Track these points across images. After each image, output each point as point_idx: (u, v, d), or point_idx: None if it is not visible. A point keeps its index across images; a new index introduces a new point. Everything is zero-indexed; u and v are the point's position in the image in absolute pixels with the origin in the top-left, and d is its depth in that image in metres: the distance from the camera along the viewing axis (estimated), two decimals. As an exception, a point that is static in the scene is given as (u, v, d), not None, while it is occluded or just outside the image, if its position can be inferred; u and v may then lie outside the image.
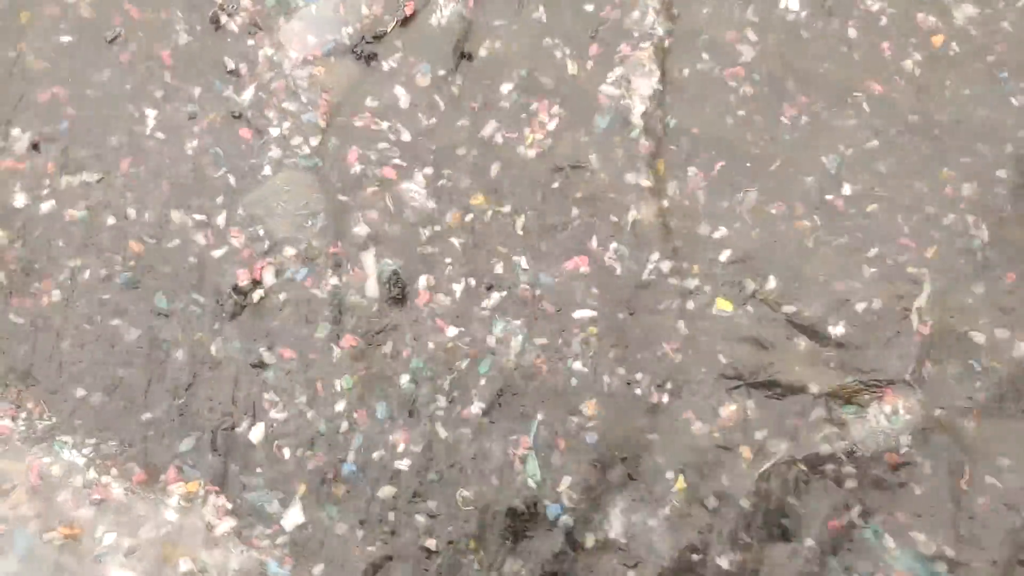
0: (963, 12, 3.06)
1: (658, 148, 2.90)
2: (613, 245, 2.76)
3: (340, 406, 2.61)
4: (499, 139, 2.88)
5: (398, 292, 2.68)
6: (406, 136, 2.89)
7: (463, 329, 2.68)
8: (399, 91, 2.92)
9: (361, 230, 2.76)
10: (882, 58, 3.00)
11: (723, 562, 2.51)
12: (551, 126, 2.90)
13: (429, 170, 2.84)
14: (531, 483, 2.54)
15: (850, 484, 2.57)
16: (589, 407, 2.61)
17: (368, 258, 2.73)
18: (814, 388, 2.65)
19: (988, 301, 2.78)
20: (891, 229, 2.82)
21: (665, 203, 2.83)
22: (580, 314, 2.71)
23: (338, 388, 2.62)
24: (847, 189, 2.85)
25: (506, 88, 2.93)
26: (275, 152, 2.83)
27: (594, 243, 2.76)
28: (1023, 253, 2.82)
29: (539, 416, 2.60)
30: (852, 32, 3.02)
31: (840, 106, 2.92)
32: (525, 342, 2.67)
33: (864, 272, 2.78)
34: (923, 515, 2.58)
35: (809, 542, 2.54)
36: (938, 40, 3.03)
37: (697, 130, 2.90)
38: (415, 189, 2.82)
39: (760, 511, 2.56)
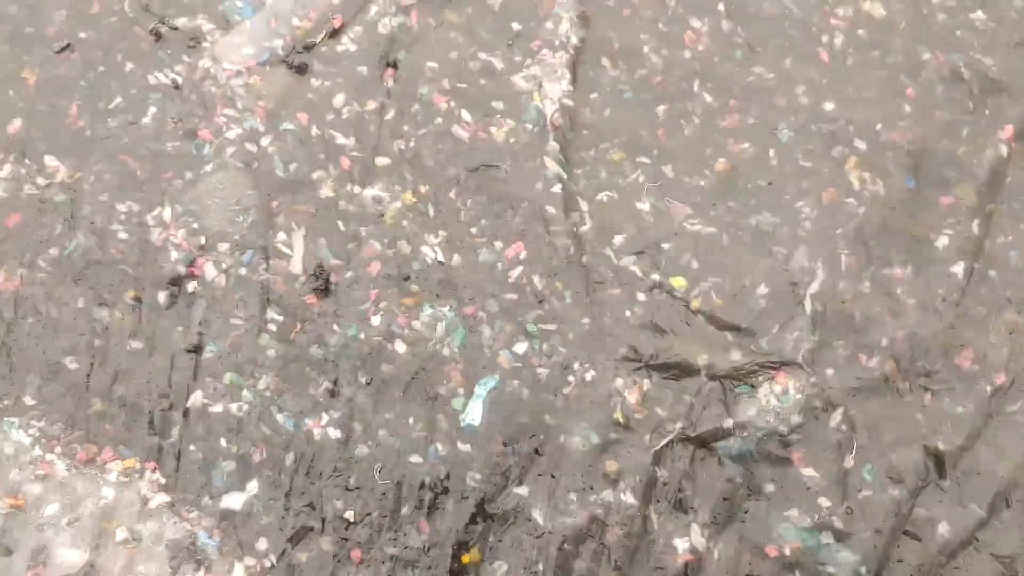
0: (866, 13, 3.27)
1: (569, 148, 3.10)
2: (524, 239, 2.98)
3: (268, 387, 2.81)
4: (420, 141, 3.09)
5: (322, 283, 2.89)
6: (339, 140, 3.10)
7: (384, 316, 2.88)
8: (328, 97, 3.14)
9: (290, 226, 2.98)
10: (783, 65, 3.21)
11: (622, 534, 2.68)
12: (468, 128, 3.12)
13: (356, 171, 3.06)
14: (470, 421, 2.74)
15: (742, 460, 2.75)
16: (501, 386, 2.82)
17: (297, 243, 2.93)
18: (710, 370, 2.84)
19: (878, 288, 2.95)
20: (788, 220, 3.01)
21: (577, 199, 3.04)
22: (491, 306, 2.91)
23: (266, 370, 2.83)
24: (747, 181, 3.05)
25: (428, 92, 3.15)
26: (212, 154, 3.06)
27: (507, 237, 2.97)
28: (911, 243, 3.00)
29: (456, 391, 2.81)
30: (754, 42, 3.24)
31: (744, 106, 3.12)
32: (448, 327, 2.86)
33: (761, 261, 2.96)
34: (811, 488, 2.73)
35: (703, 516, 2.71)
36: (836, 49, 3.24)
37: (606, 130, 3.11)
38: (343, 189, 3.03)
39: (657, 487, 2.74)
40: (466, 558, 2.66)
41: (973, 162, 3.12)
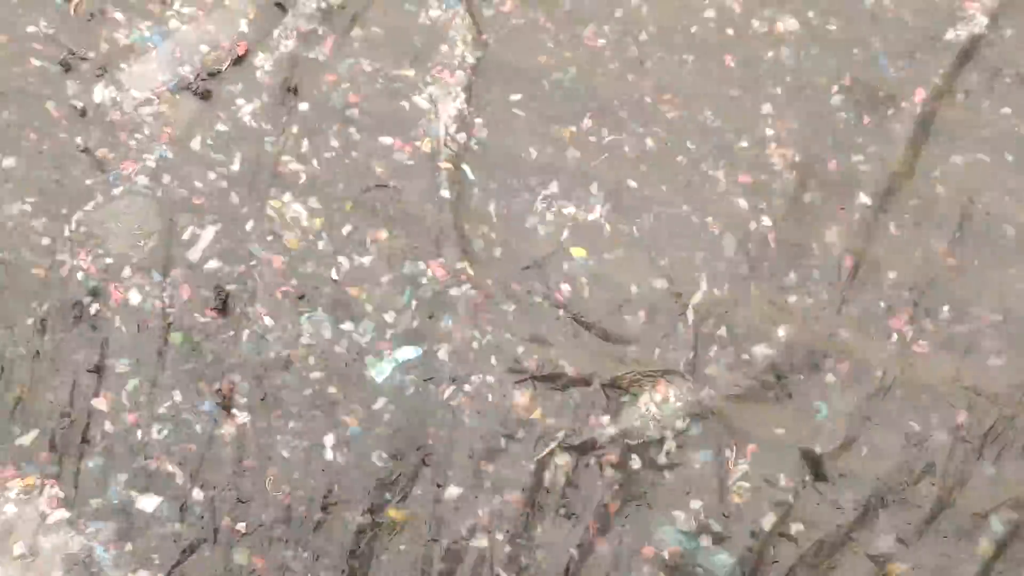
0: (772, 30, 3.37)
1: (463, 166, 3.21)
2: (417, 255, 3.08)
3: (166, 405, 2.91)
4: (321, 162, 3.20)
5: (220, 303, 2.99)
6: (235, 165, 3.21)
7: (282, 330, 2.98)
8: (233, 122, 3.25)
9: (192, 249, 3.08)
10: (677, 79, 3.31)
11: (507, 542, 2.76)
12: (368, 148, 3.22)
13: (256, 197, 3.15)
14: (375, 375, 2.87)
15: (623, 466, 2.83)
16: (384, 402, 2.90)
17: (205, 237, 3.04)
18: (593, 380, 2.92)
19: (761, 296, 3.04)
20: (674, 230, 3.11)
21: (470, 216, 3.13)
22: (389, 316, 3.00)
23: (164, 387, 2.92)
24: (633, 193, 3.15)
25: (329, 115, 3.26)
26: (118, 180, 3.16)
27: (400, 254, 3.08)
28: (796, 251, 3.09)
29: (345, 407, 2.90)
30: (650, 58, 3.35)
31: (631, 119, 3.23)
32: (343, 343, 2.95)
33: (646, 272, 3.06)
34: (691, 493, 2.82)
35: (587, 522, 2.79)
36: (729, 59, 3.35)
37: (500, 148, 3.22)
38: (243, 210, 3.13)
39: (540, 495, 2.81)
40: (355, 567, 2.75)
41: (862, 172, 3.22)
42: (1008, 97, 3.34)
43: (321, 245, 3.10)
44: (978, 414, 2.89)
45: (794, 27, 3.42)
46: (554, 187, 3.17)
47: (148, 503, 2.82)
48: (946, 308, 3.02)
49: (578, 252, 3.09)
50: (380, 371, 2.94)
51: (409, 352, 2.95)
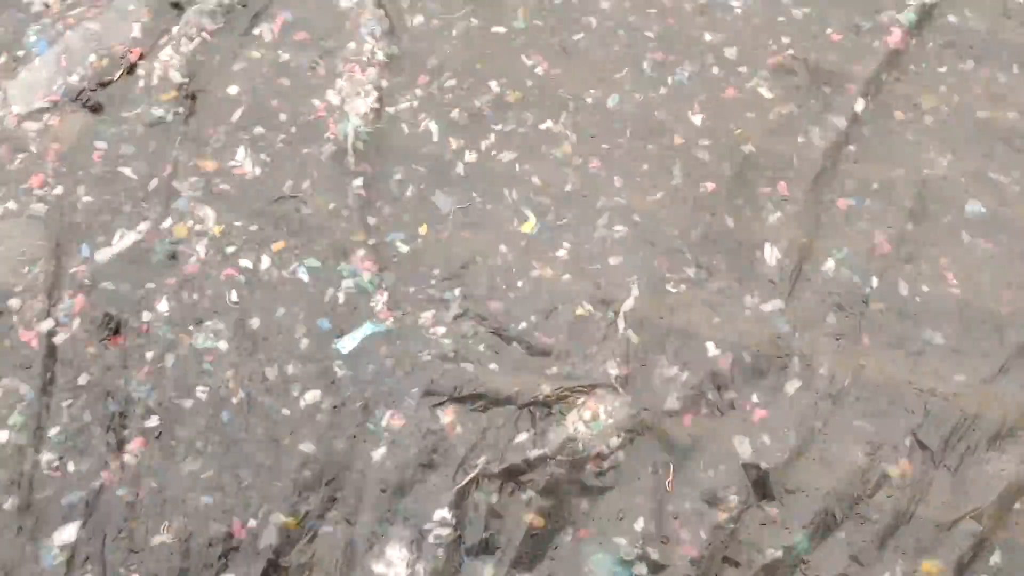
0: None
1: (374, 172, 2.97)
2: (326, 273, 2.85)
3: (55, 442, 2.68)
4: (221, 174, 2.97)
5: (109, 332, 2.76)
6: (136, 178, 2.97)
7: (177, 363, 2.75)
8: (126, 135, 3.01)
9: (81, 273, 2.85)
10: (599, 71, 3.08)
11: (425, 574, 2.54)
12: (274, 156, 2.99)
13: (154, 213, 2.92)
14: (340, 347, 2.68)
15: (551, 492, 2.60)
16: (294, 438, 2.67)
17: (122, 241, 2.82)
18: (518, 399, 2.69)
19: (697, 300, 2.81)
20: (600, 235, 2.87)
21: (378, 227, 2.90)
22: (292, 346, 2.78)
23: (54, 426, 2.69)
24: (555, 198, 2.91)
25: (230, 123, 3.02)
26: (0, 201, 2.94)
27: (306, 274, 2.84)
28: (734, 249, 2.86)
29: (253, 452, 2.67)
30: (570, 49, 3.11)
31: (547, 119, 2.99)
32: (245, 373, 2.73)
33: (572, 280, 2.82)
34: (626, 518, 2.58)
35: (511, 554, 2.56)
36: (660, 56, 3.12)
37: (411, 150, 2.98)
38: (134, 236, 2.90)
39: (462, 526, 2.58)
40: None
41: (801, 159, 2.99)
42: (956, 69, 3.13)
43: (221, 260, 2.89)
44: (936, 417, 2.67)
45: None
46: (475, 196, 2.94)
47: (35, 551, 2.59)
48: (897, 302, 2.80)
49: (497, 260, 2.87)
50: (346, 343, 2.71)
51: (371, 328, 2.74)
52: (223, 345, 2.76)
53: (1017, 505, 2.57)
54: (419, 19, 3.18)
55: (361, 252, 2.84)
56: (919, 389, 2.67)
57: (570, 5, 3.27)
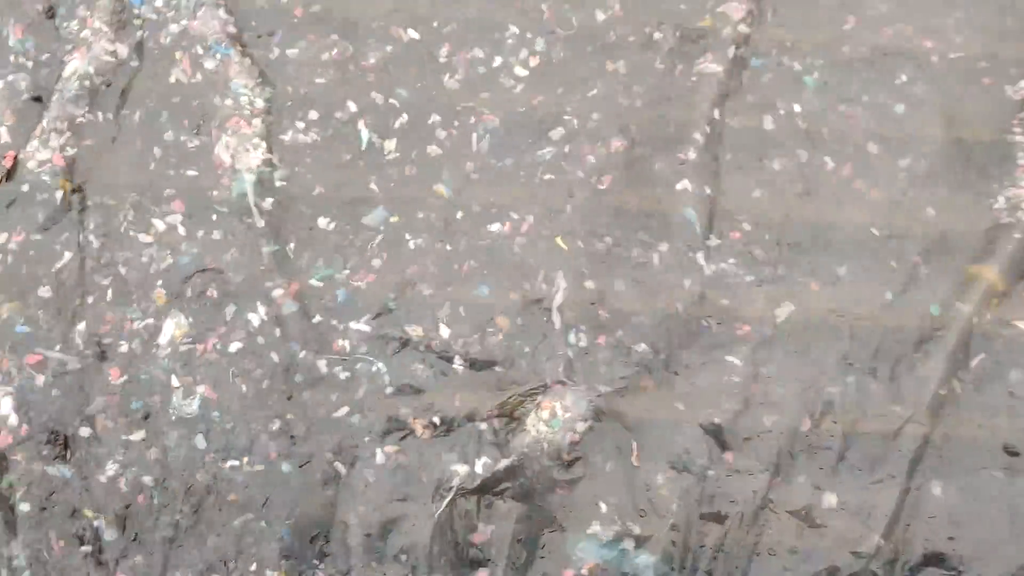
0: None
1: (279, 220, 2.96)
2: (258, 336, 2.85)
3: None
4: (127, 264, 2.91)
5: (60, 448, 2.72)
6: (41, 294, 2.89)
7: (123, 470, 2.74)
8: (13, 243, 2.91)
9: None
10: (484, 72, 3.10)
11: (428, 606, 2.63)
12: (177, 234, 2.95)
13: (56, 326, 2.86)
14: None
15: (527, 496, 2.70)
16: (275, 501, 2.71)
17: None
18: (475, 415, 2.76)
19: (623, 278, 2.90)
20: (517, 233, 2.92)
21: (297, 285, 2.90)
22: (236, 405, 2.79)
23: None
24: (468, 208, 2.94)
25: (121, 207, 2.95)
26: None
27: (231, 335, 2.84)
28: (646, 220, 2.93)
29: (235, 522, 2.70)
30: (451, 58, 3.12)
31: (460, 127, 3.02)
32: (205, 442, 2.74)
33: (500, 286, 2.88)
34: (601, 502, 2.71)
35: (502, 564, 2.66)
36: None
37: (311, 194, 2.97)
38: (51, 334, 2.85)
39: (449, 549, 2.68)
40: None
41: (692, 123, 3.06)
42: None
43: (156, 353, 2.86)
44: (862, 338, 2.84)
45: None
46: (393, 219, 2.96)
47: None
48: (807, 242, 2.93)
49: (424, 286, 2.90)
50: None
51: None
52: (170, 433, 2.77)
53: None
54: (291, 60, 3.13)
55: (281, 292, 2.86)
56: (841, 316, 2.83)
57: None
